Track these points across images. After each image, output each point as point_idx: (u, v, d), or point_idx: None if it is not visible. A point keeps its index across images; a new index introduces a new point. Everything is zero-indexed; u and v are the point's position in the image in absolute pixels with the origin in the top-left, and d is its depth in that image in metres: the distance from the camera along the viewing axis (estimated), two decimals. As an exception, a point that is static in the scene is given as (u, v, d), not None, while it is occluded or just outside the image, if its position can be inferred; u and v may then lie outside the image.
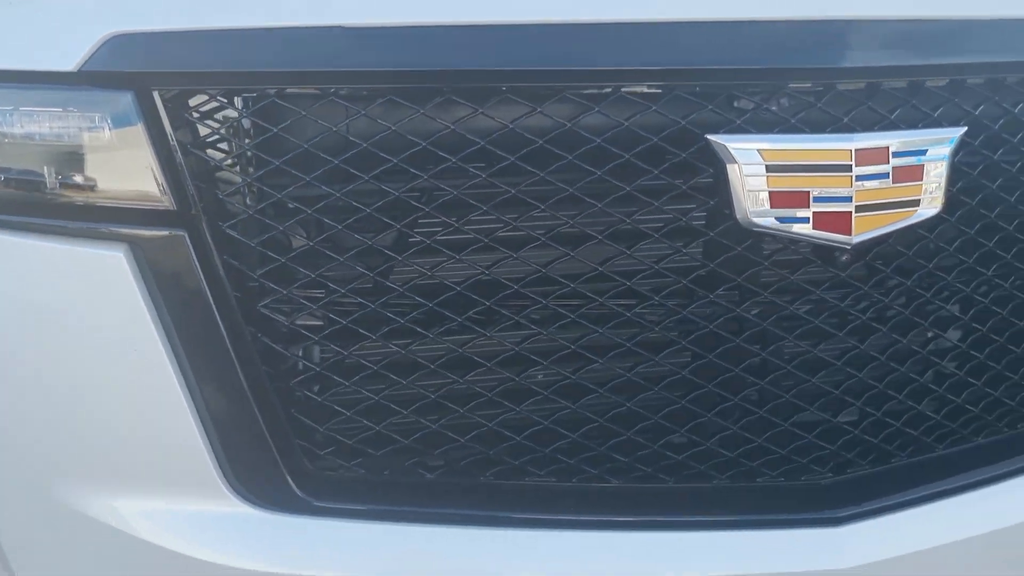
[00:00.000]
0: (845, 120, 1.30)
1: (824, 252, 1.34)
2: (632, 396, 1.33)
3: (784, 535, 1.36)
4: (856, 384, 1.39)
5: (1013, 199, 1.41)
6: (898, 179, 1.32)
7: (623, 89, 1.26)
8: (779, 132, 1.29)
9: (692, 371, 1.34)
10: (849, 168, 1.29)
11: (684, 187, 1.28)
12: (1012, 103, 1.39)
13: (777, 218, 1.29)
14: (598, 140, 1.26)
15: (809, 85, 1.30)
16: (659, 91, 1.28)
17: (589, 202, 1.27)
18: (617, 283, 1.30)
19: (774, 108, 1.30)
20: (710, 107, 1.27)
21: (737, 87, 1.28)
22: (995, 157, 1.39)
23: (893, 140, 1.31)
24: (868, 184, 1.30)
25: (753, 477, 1.39)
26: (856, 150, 1.29)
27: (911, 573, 1.39)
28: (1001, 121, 1.39)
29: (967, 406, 1.45)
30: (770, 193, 1.28)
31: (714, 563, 1.33)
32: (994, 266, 1.42)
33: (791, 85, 1.29)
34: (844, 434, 1.39)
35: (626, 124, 1.26)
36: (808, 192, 1.29)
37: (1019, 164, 1.41)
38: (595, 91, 1.26)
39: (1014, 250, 1.42)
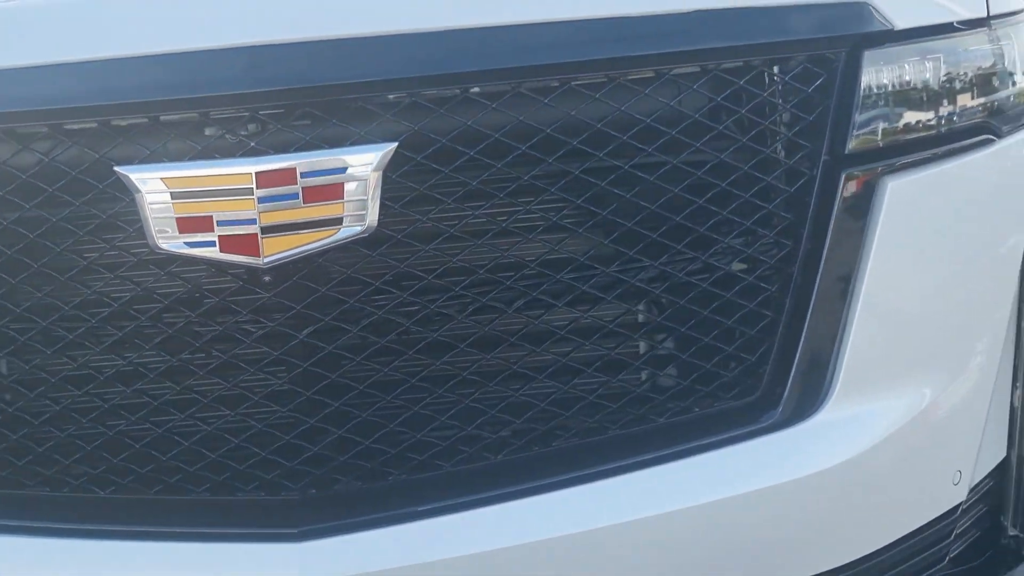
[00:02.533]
0: (253, 144, 1.33)
1: (248, 273, 1.37)
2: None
3: (241, 548, 1.39)
4: (318, 405, 1.41)
5: (458, 209, 1.39)
6: (312, 199, 1.33)
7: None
8: (189, 160, 1.35)
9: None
10: (251, 191, 1.33)
11: (105, 218, 1.36)
12: (456, 114, 1.37)
13: (186, 243, 1.34)
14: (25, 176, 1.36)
15: (223, 112, 1.34)
16: (88, 127, 1.36)
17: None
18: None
19: (187, 136, 1.35)
20: (122, 139, 1.34)
21: (145, 118, 1.34)
22: (446, 170, 1.37)
23: (299, 161, 1.33)
24: (275, 205, 1.33)
25: (232, 491, 1.44)
26: (257, 173, 1.32)
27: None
28: (443, 135, 1.37)
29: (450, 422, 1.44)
30: (177, 219, 1.33)
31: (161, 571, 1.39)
32: (454, 277, 1.40)
33: (200, 113, 1.34)
34: (306, 452, 1.41)
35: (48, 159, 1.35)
36: (212, 216, 1.33)
37: (468, 172, 1.38)
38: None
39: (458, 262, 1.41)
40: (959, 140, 1.59)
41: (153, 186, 1.33)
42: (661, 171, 1.44)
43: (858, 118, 1.51)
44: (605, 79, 1.41)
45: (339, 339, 1.39)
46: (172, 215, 1.33)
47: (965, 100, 1.59)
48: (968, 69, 1.60)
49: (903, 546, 1.61)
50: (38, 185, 1.35)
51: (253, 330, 1.39)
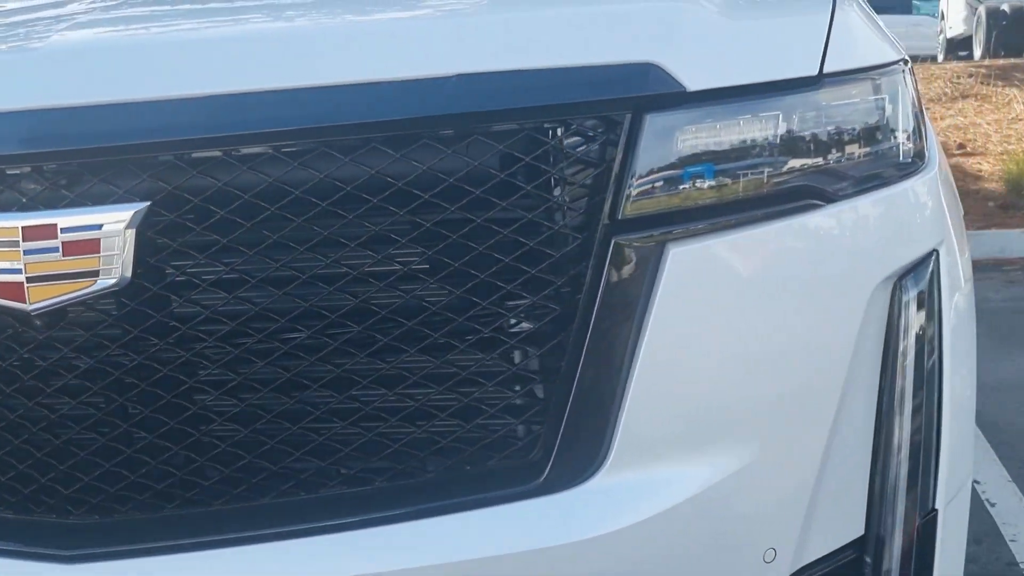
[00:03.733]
0: (25, 200, 1.46)
1: (22, 317, 1.49)
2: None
3: (12, 564, 1.53)
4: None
5: (212, 264, 1.47)
6: (70, 252, 1.45)
7: None
8: (-30, 212, 1.49)
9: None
10: (18, 243, 1.46)
11: None
12: (210, 174, 1.44)
13: (-35, 288, 1.49)
14: None
15: (10, 168, 1.48)
16: None
17: None
18: None
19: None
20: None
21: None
22: (198, 228, 1.45)
23: (60, 217, 1.45)
24: (39, 257, 1.45)
25: (29, 512, 1.57)
26: (24, 227, 1.45)
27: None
28: (196, 194, 1.45)
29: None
30: (-41, 265, 1.49)
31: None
32: (208, 327, 1.48)
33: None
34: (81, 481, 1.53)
35: None
36: (-12, 265, 1.48)
37: (220, 230, 1.46)
38: None
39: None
40: (765, 206, 1.52)
41: (-63, 236, 1.50)
42: (416, 232, 1.47)
43: (636, 183, 1.48)
44: (360, 142, 1.46)
45: (106, 380, 1.50)
46: (-45, 261, 1.50)
47: (773, 166, 1.52)
48: (784, 132, 1.52)
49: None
50: None
51: (35, 368, 1.52)
